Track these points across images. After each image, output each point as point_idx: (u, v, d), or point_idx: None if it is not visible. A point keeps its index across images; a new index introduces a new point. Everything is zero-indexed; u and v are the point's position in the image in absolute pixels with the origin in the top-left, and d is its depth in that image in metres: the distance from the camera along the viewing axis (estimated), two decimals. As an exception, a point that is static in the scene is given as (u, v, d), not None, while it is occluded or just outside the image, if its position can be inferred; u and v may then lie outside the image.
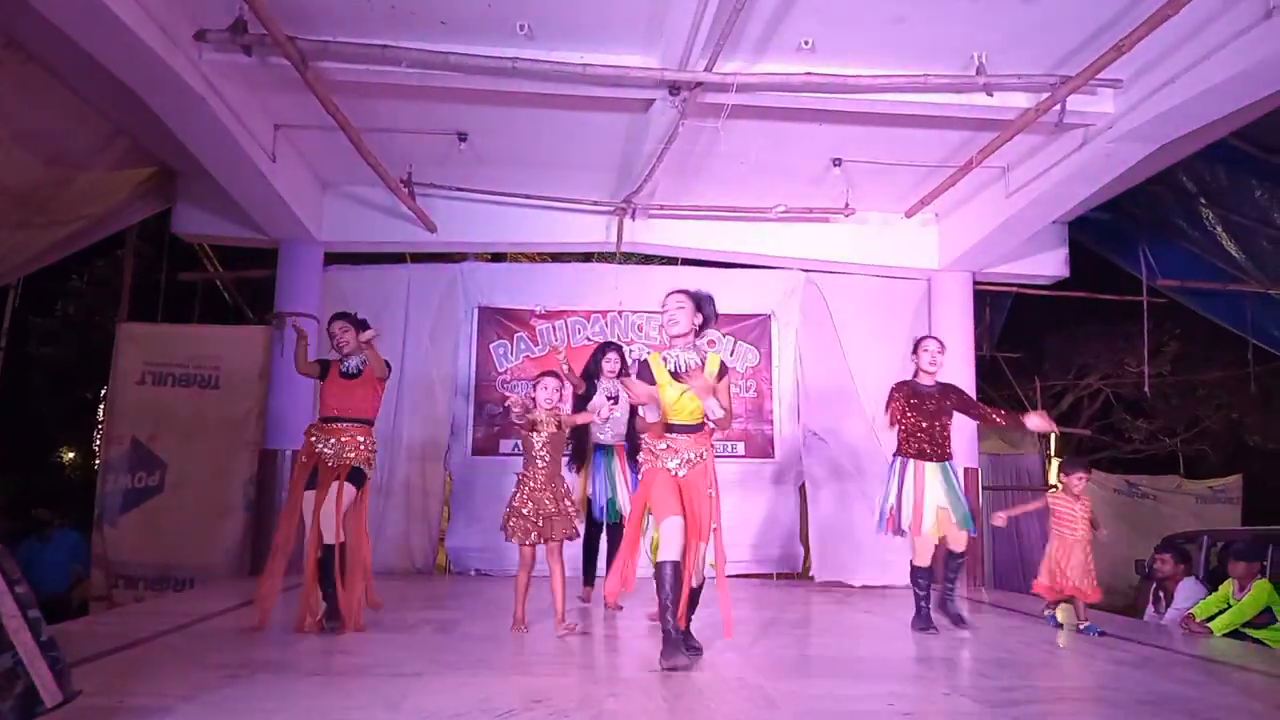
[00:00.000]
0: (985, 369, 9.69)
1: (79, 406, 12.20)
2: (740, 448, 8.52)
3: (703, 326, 4.23)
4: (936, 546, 5.37)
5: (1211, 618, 5.87)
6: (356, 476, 5.01)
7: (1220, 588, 6.10)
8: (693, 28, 5.07)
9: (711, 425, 4.20)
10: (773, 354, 8.72)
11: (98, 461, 9.06)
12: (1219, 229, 7.76)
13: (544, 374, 5.13)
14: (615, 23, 5.34)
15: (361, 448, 5.05)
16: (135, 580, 7.62)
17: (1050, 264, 8.37)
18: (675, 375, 4.14)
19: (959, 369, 8.24)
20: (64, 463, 13.24)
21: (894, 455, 5.48)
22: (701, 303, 4.22)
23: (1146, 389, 10.00)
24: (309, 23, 5.31)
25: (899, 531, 5.40)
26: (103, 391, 9.61)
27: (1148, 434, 13.21)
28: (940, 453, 5.35)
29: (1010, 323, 10.25)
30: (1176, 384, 12.49)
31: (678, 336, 4.18)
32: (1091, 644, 5.08)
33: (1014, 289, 9.24)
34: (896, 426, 5.41)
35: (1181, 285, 8.70)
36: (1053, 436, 11.66)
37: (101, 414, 10.08)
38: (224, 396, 7.97)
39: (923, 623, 5.29)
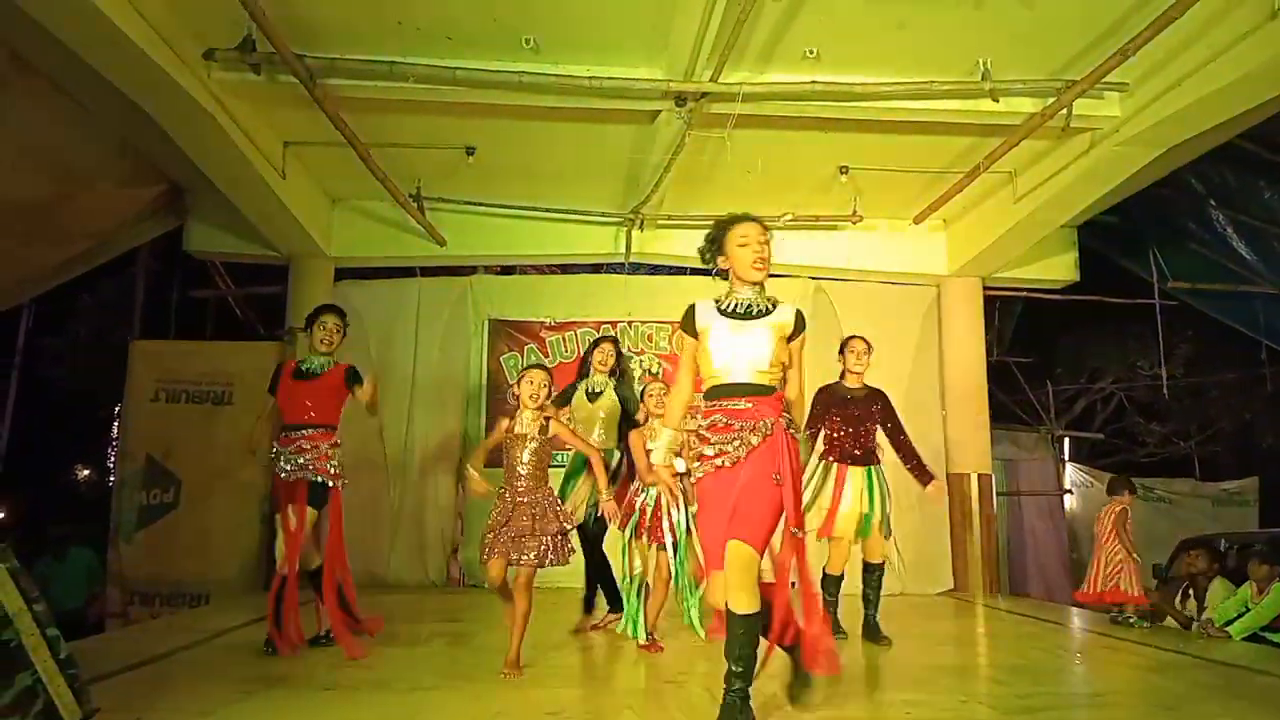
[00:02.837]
0: (997, 374, 9.65)
1: (93, 425, 12.25)
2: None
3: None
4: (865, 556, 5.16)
5: (1230, 621, 5.81)
6: (315, 495, 4.45)
7: (1239, 590, 6.05)
8: (698, 38, 5.09)
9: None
10: (782, 362, 8.66)
11: (112, 479, 9.11)
12: (1229, 230, 7.73)
13: (530, 367, 4.46)
14: (620, 35, 5.36)
15: (320, 455, 4.47)
16: (151, 596, 7.67)
17: (1060, 268, 8.35)
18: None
19: (970, 374, 8.24)
20: (78, 481, 13.31)
21: (819, 458, 5.22)
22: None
23: (1165, 391, 9.94)
24: (316, 40, 5.35)
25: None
26: (116, 409, 9.65)
27: (1161, 437, 13.13)
28: (866, 457, 5.13)
29: (1021, 327, 10.23)
30: (1189, 386, 12.42)
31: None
32: (1109, 649, 5.05)
33: (1024, 294, 9.20)
34: (821, 430, 5.20)
35: (1192, 287, 8.66)
36: (1066, 441, 11.61)
37: (116, 432, 10.13)
38: (237, 412, 7.99)
39: (832, 628, 4.94)
